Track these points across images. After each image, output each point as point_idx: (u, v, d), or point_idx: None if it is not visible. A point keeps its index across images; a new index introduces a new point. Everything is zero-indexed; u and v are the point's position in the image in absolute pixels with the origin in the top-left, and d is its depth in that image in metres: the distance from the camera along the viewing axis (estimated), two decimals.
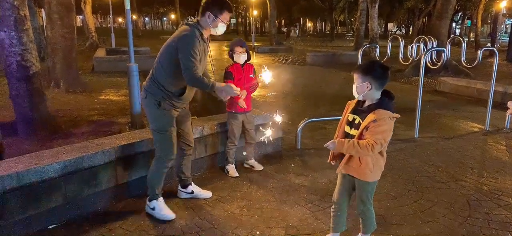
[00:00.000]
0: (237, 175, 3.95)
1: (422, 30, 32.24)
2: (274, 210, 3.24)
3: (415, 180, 3.94)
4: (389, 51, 6.69)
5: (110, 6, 25.05)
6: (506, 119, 6.08)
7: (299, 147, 4.82)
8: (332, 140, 2.32)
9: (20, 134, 5.15)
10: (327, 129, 5.55)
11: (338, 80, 11.47)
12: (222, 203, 3.35)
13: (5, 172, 2.60)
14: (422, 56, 5.54)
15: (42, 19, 17.41)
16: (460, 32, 40.95)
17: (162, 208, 3.05)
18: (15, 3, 4.77)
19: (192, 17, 3.49)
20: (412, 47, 6.87)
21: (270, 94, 7.40)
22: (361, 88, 2.27)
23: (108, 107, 7.10)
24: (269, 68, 3.39)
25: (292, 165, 4.30)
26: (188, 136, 3.29)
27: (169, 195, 3.41)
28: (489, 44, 22.97)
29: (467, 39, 27.56)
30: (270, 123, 4.06)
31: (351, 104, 2.43)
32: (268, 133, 3.64)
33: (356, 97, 2.35)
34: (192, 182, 3.45)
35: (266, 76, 3.26)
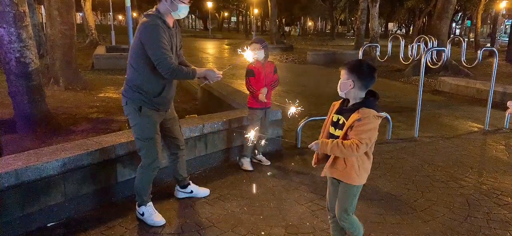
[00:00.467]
0: (252, 169, 4.02)
1: (423, 30, 32.24)
2: (274, 208, 3.24)
3: (415, 179, 3.93)
4: (389, 50, 6.69)
5: (110, 3, 25.04)
6: (506, 119, 6.08)
7: (299, 146, 4.81)
8: (315, 141, 2.25)
9: (19, 131, 5.13)
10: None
11: (338, 79, 11.46)
12: (222, 202, 3.34)
13: (3, 170, 2.59)
14: (423, 56, 5.54)
15: (42, 16, 17.39)
16: (460, 32, 40.96)
17: (151, 214, 2.96)
18: None
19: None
20: (412, 46, 6.86)
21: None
22: (344, 85, 2.21)
23: (108, 104, 7.09)
24: None
25: (292, 163, 4.30)
26: (178, 140, 3.17)
27: (169, 194, 3.41)
28: (488, 44, 22.97)
29: (466, 39, 27.53)
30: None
31: (336, 105, 2.35)
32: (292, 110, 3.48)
33: (339, 93, 2.27)
34: (191, 181, 3.41)
35: (248, 55, 3.11)
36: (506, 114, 6.04)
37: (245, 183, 3.75)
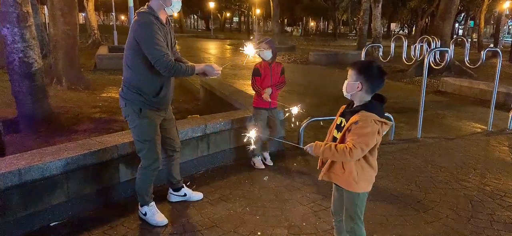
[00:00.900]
0: (264, 167, 4.07)
1: (425, 30, 32.15)
2: (276, 209, 3.23)
3: (418, 180, 3.92)
4: (392, 51, 6.67)
5: (113, 4, 25.11)
6: (509, 120, 6.05)
7: (301, 146, 4.80)
8: (310, 143, 2.16)
9: (22, 130, 5.15)
10: (329, 128, 5.51)
11: (341, 80, 11.34)
12: (224, 202, 3.34)
13: (7, 169, 2.59)
14: (426, 56, 5.52)
15: (45, 16, 17.44)
16: (463, 33, 40.81)
17: (154, 213, 2.95)
18: None
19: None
20: (415, 47, 6.85)
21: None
22: (351, 87, 2.10)
23: (110, 104, 7.10)
24: None
25: (295, 164, 4.29)
26: (174, 142, 3.13)
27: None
28: (492, 45, 22.87)
29: (470, 40, 27.44)
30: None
31: (344, 107, 2.24)
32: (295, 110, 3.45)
33: (344, 94, 2.17)
34: (184, 185, 3.37)
35: (249, 50, 3.00)
36: (510, 115, 6.02)
37: (247, 183, 3.74)
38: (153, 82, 2.76)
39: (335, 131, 2.21)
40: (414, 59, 7.08)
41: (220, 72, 2.93)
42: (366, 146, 2.00)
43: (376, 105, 2.08)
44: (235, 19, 72.57)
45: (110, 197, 3.24)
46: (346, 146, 2.01)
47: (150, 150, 2.83)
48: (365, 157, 2.10)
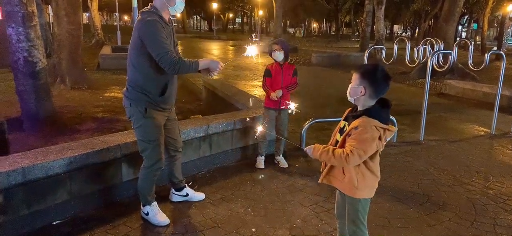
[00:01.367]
0: (263, 167, 4.09)
1: (428, 33, 32.07)
2: (278, 210, 3.23)
3: (420, 182, 3.91)
4: (395, 53, 6.66)
5: (117, 4, 25.18)
6: None
7: (304, 148, 4.80)
8: (310, 145, 2.16)
9: (26, 129, 5.18)
10: (332, 130, 5.48)
11: (344, 81, 11.41)
12: (226, 202, 3.34)
13: (10, 168, 2.61)
14: (429, 59, 5.51)
15: (49, 15, 17.51)
16: (466, 35, 40.65)
17: (156, 213, 2.96)
18: None
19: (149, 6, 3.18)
20: (418, 49, 6.83)
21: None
22: (355, 91, 2.05)
23: (113, 104, 7.12)
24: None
25: (297, 165, 4.29)
26: (176, 142, 3.14)
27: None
28: (495, 48, 22.78)
29: (473, 42, 27.35)
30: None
31: (349, 110, 2.20)
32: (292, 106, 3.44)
33: (348, 98, 2.13)
34: (186, 185, 3.38)
35: (251, 50, 3.00)
36: None
37: (249, 184, 3.75)
38: (158, 82, 2.77)
39: (338, 134, 2.18)
40: (417, 61, 7.06)
41: (222, 66, 2.92)
42: (364, 153, 1.97)
43: (379, 110, 2.02)
44: (238, 20, 72.66)
45: (112, 196, 3.25)
46: (343, 151, 1.99)
47: (154, 150, 2.84)
48: (365, 163, 2.06)
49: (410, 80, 12.01)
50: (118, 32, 21.47)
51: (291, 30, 62.07)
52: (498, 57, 16.20)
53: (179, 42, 3.10)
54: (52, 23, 10.61)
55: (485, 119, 6.71)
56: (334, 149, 2.04)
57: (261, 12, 39.24)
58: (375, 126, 1.97)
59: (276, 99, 3.93)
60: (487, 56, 5.96)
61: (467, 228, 3.04)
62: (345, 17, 52.68)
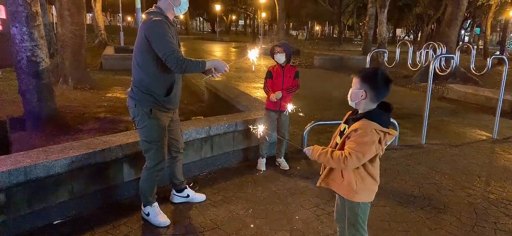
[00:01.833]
0: (263, 169, 4.11)
1: (431, 36, 32.02)
2: (279, 212, 3.23)
3: (422, 186, 3.90)
4: (397, 56, 6.66)
5: (120, 5, 25.26)
6: None
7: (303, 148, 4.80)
8: (310, 146, 2.16)
9: (28, 129, 5.20)
10: (333, 133, 5.51)
11: (346, 84, 11.39)
12: (227, 204, 3.34)
13: (12, 167, 2.62)
14: (431, 62, 5.51)
15: (52, 15, 17.58)
16: (469, 40, 40.60)
17: (156, 214, 2.96)
18: None
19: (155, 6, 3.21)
20: (420, 53, 6.83)
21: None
22: (355, 95, 2.04)
23: (115, 104, 7.14)
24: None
25: (298, 167, 4.29)
26: (178, 143, 3.15)
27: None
28: (498, 52, 22.73)
29: (476, 47, 27.27)
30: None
31: (350, 113, 2.19)
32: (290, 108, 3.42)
33: (349, 102, 2.11)
34: (187, 186, 3.38)
35: (252, 54, 2.97)
36: None
37: (250, 185, 3.75)
38: (164, 82, 2.77)
39: (338, 137, 2.18)
40: (420, 65, 7.06)
41: (227, 68, 2.90)
42: (363, 155, 1.95)
43: (379, 113, 2.02)
44: (241, 22, 72.75)
45: (113, 196, 3.26)
46: (342, 153, 1.98)
47: (158, 151, 2.84)
48: (365, 167, 2.05)
49: (412, 84, 12.00)
50: (121, 33, 21.52)
51: (293, 33, 62.11)
52: (500, 62, 16.12)
53: (181, 43, 3.10)
54: (55, 23, 10.63)
55: (487, 123, 6.70)
56: (332, 151, 2.04)
57: (264, 15, 39.26)
58: (375, 129, 1.96)
59: (276, 100, 3.93)
60: (489, 61, 5.95)
61: (468, 232, 3.04)
62: (348, 20, 52.70)
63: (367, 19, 20.89)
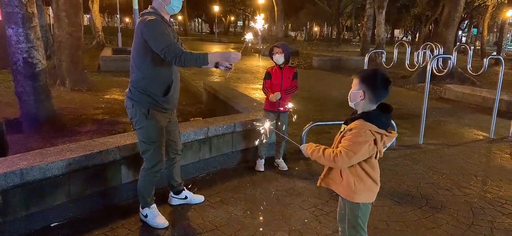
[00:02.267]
0: (263, 170, 4.13)
1: (429, 37, 32.13)
2: (277, 213, 3.23)
3: (419, 186, 3.91)
4: (395, 57, 6.67)
5: (118, 6, 25.22)
6: (511, 128, 6.04)
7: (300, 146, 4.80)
8: (305, 144, 2.17)
9: (25, 131, 5.17)
10: (332, 134, 5.53)
11: (344, 85, 11.44)
12: (226, 205, 3.34)
13: (8, 169, 2.61)
14: (429, 63, 5.52)
15: (49, 17, 17.55)
16: (466, 40, 40.74)
17: (155, 216, 2.96)
18: (23, 0, 4.81)
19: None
20: (418, 53, 6.85)
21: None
22: (354, 96, 2.04)
23: (113, 106, 7.13)
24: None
25: (296, 168, 4.29)
26: (176, 145, 3.14)
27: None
28: (494, 53, 22.82)
29: (473, 47, 27.36)
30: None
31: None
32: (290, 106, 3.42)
33: (349, 103, 2.12)
34: (185, 188, 3.38)
35: (248, 36, 2.93)
36: None
37: (249, 187, 3.75)
38: (161, 82, 2.78)
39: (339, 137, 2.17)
40: (417, 65, 7.08)
41: (239, 56, 2.72)
42: (354, 154, 1.94)
43: (378, 115, 2.01)
44: (240, 23, 72.75)
45: (111, 198, 3.25)
46: (333, 151, 2.00)
47: (155, 152, 2.84)
48: (362, 168, 2.05)
49: (410, 84, 12.03)
50: (119, 34, 21.50)
51: (292, 34, 62.16)
52: (497, 62, 16.18)
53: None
54: (52, 24, 10.62)
55: (484, 123, 6.72)
56: (325, 149, 2.05)
57: (262, 16, 39.30)
58: (369, 130, 1.95)
59: (275, 101, 3.94)
60: (486, 61, 5.97)
61: (464, 231, 3.04)
62: (346, 21, 52.83)
63: (365, 20, 20.92)
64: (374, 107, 2.03)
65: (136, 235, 2.84)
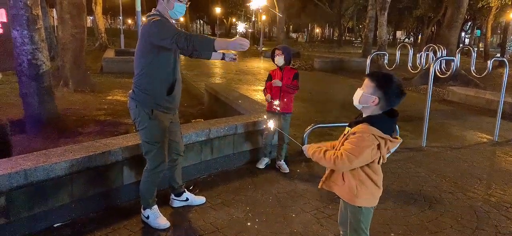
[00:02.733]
0: (262, 167, 4.20)
1: (431, 39, 32.05)
2: (278, 215, 3.23)
3: (422, 189, 3.90)
4: (398, 58, 6.67)
5: (121, 8, 25.33)
6: None
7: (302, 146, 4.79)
8: (307, 145, 2.15)
9: (29, 132, 5.20)
10: (333, 136, 5.52)
11: (346, 87, 11.42)
12: (227, 207, 3.34)
13: (12, 170, 2.62)
14: (431, 65, 5.51)
15: (53, 19, 17.63)
16: (469, 42, 40.63)
17: (156, 217, 2.96)
18: (28, 2, 4.84)
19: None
20: (421, 55, 6.84)
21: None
22: (366, 99, 1.97)
23: (116, 107, 7.14)
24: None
25: (298, 170, 4.28)
26: (178, 145, 3.15)
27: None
28: (498, 54, 22.75)
29: (476, 49, 27.26)
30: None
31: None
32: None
33: (354, 103, 2.04)
34: (186, 189, 3.38)
35: (241, 27, 3.04)
36: None
37: (250, 188, 3.74)
38: (164, 83, 2.80)
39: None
40: (420, 67, 7.07)
41: (247, 43, 2.60)
42: (356, 158, 1.91)
43: (383, 120, 1.96)
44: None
45: (113, 199, 3.26)
46: (334, 153, 1.97)
47: (159, 152, 2.86)
48: (365, 171, 2.02)
49: (413, 86, 12.00)
50: (122, 36, 21.57)
51: (294, 35, 62.16)
52: (501, 64, 16.16)
53: None
54: (56, 26, 10.67)
55: (487, 126, 6.69)
56: (326, 150, 2.02)
57: (264, 17, 39.30)
58: (373, 135, 1.91)
59: (269, 100, 4.03)
60: (490, 63, 5.96)
61: None
62: (348, 23, 52.80)
63: (367, 21, 20.89)
64: (380, 112, 1.99)
65: None
